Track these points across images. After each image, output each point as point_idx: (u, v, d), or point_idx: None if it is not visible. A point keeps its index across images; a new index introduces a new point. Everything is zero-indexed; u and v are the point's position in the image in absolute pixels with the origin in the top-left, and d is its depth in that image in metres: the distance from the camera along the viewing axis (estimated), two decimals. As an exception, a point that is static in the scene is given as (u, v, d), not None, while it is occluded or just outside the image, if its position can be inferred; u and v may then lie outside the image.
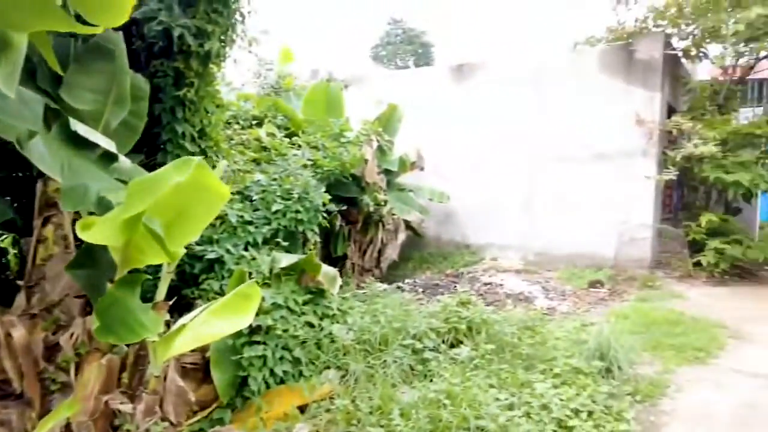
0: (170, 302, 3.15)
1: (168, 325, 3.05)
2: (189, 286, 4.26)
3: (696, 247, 8.13)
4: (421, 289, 8.09)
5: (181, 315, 3.00)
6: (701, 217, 7.99)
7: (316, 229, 5.44)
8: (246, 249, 4.56)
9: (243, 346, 3.66)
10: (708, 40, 8.63)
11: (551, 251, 9.10)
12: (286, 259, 4.38)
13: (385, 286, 8.01)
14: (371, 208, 7.55)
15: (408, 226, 9.07)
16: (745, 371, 4.45)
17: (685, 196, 9.72)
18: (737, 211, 9.06)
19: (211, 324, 2.73)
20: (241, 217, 4.79)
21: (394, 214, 8.45)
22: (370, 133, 7.45)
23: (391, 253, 8.71)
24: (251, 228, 4.77)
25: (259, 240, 4.73)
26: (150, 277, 3.38)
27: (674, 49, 8.64)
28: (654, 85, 8.27)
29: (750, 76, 9.45)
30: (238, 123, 7.02)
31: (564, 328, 5.05)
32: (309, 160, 6.41)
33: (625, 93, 8.45)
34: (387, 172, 8.85)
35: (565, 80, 8.98)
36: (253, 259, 4.37)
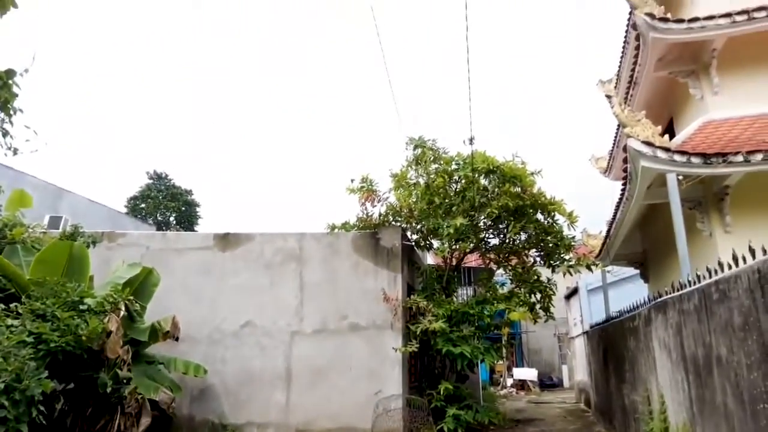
0: None
1: None
2: None
3: (438, 413, 9.05)
4: (163, 489, 6.80)
5: None
6: (440, 385, 9.09)
7: (25, 429, 4.23)
8: None
9: None
10: (431, 236, 10.86)
11: (312, 427, 8.91)
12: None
13: (115, 489, 6.51)
14: (109, 389, 6.36)
15: (155, 406, 7.81)
16: None
17: (426, 365, 11.00)
18: (465, 378, 10.62)
19: None
20: None
21: (139, 394, 7.24)
22: (118, 300, 6.61)
23: (129, 444, 7.23)
24: None
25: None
26: None
27: (409, 240, 10.54)
28: (396, 268, 9.73)
29: (463, 265, 12.01)
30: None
31: None
32: (31, 333, 5.24)
33: (374, 272, 9.69)
34: (134, 342, 7.81)
35: (325, 257, 9.87)
36: None
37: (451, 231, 9.51)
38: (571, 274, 11.57)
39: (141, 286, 8.33)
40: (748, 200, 6.22)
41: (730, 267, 3.58)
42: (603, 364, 11.05)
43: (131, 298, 6.96)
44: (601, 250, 11.20)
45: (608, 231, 9.98)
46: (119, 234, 10.88)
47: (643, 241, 10.68)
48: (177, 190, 42.04)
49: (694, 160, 5.67)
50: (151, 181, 42.33)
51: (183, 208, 41.94)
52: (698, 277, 4.20)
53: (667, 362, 5.17)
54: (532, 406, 16.21)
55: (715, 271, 3.82)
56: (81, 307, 5.98)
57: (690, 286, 4.39)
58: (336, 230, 10.45)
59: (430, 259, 14.57)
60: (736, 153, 5.43)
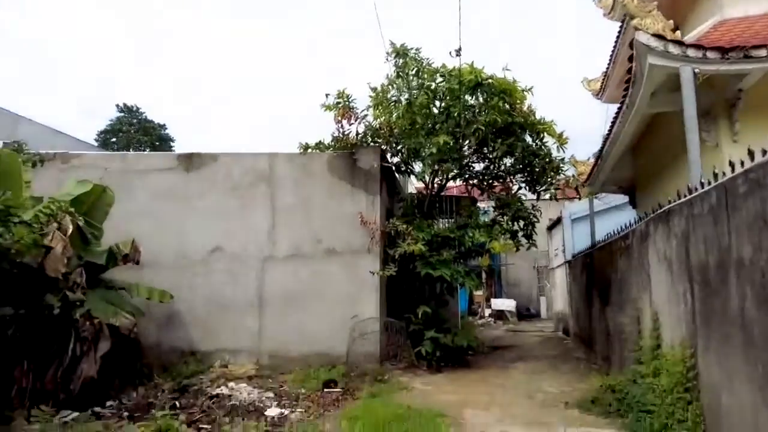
0: None
1: None
2: None
3: (416, 338, 8.79)
4: (127, 413, 6.45)
5: None
6: (418, 309, 8.77)
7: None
8: None
9: None
10: (412, 158, 10.16)
11: (286, 353, 8.59)
12: None
13: (75, 414, 6.14)
14: (56, 311, 5.80)
15: (115, 332, 7.33)
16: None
17: (405, 290, 10.66)
18: (445, 303, 10.36)
19: None
20: None
21: (95, 317, 6.73)
22: (56, 213, 5.88)
23: (88, 369, 6.78)
24: None
25: None
26: None
27: (389, 162, 9.86)
28: (374, 190, 9.11)
29: (444, 193, 11.44)
30: None
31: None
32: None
33: (351, 195, 9.07)
34: (92, 266, 7.22)
35: (298, 179, 9.20)
36: None
37: (434, 150, 8.85)
38: (557, 200, 11.14)
39: (93, 206, 7.61)
40: (761, 106, 5.65)
41: (762, 154, 3.02)
42: (585, 290, 10.88)
43: (73, 211, 6.22)
44: (589, 176, 10.72)
45: (600, 153, 9.45)
46: (74, 155, 10.02)
47: (634, 165, 10.19)
48: (150, 124, 40.25)
49: (711, 55, 5.02)
50: (121, 114, 40.35)
51: (156, 143, 40.31)
52: (715, 175, 3.66)
53: (666, 276, 4.76)
54: (509, 335, 16.35)
55: (742, 163, 3.25)
56: (13, 219, 5.25)
57: (705, 186, 3.85)
58: (310, 150, 9.70)
59: (411, 188, 13.98)
60: (760, 46, 4.79)
